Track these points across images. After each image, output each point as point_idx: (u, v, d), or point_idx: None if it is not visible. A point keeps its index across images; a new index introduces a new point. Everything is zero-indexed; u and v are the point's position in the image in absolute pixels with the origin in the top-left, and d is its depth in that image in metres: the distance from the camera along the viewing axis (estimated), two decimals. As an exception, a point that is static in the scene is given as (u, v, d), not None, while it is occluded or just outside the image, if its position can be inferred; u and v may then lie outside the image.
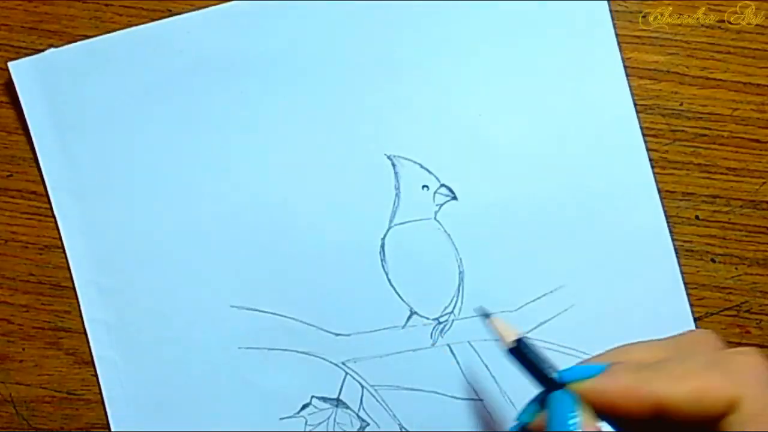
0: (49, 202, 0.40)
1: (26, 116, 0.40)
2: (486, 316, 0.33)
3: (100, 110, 0.40)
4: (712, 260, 0.39)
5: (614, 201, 0.39)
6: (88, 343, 0.40)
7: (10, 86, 0.40)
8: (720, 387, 0.28)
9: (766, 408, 0.27)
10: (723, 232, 0.40)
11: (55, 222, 0.40)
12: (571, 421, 0.29)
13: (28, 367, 0.40)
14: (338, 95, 0.40)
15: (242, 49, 0.40)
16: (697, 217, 0.40)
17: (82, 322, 0.40)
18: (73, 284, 0.40)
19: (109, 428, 0.39)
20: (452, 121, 0.40)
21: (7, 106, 0.41)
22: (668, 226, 0.39)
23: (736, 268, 0.40)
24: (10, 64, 0.40)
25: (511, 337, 0.32)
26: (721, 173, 0.40)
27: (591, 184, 0.39)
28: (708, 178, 0.40)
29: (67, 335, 0.40)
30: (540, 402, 0.31)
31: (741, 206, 0.40)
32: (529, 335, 0.39)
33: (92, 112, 0.40)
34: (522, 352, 0.31)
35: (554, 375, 0.30)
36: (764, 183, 0.40)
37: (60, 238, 0.40)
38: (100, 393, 0.40)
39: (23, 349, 0.40)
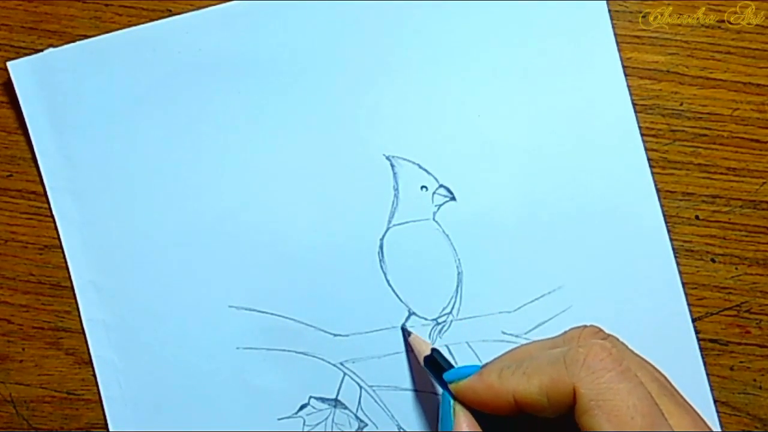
0: (48, 202, 0.40)
1: (25, 116, 0.40)
2: (408, 334, 0.38)
3: (99, 110, 0.40)
4: (712, 260, 0.39)
5: (612, 201, 0.39)
6: (86, 342, 0.40)
7: (9, 86, 0.40)
8: (560, 380, 0.29)
9: (600, 394, 0.29)
10: (723, 232, 0.40)
11: (54, 222, 0.40)
12: (448, 421, 0.32)
13: (28, 367, 0.40)
14: (337, 95, 0.40)
15: (241, 49, 0.40)
16: (697, 217, 0.40)
17: (82, 322, 0.40)
18: (72, 284, 0.40)
19: (107, 428, 0.39)
20: (451, 121, 0.40)
21: (7, 106, 0.41)
22: (667, 226, 0.39)
23: (736, 268, 0.40)
24: (9, 64, 0.40)
25: (426, 350, 0.36)
26: (721, 173, 0.40)
27: (589, 184, 0.39)
28: (708, 178, 0.40)
29: (67, 335, 0.40)
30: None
31: (741, 206, 0.40)
32: (528, 336, 0.39)
33: (91, 112, 0.40)
34: (435, 361, 0.35)
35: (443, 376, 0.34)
36: (764, 183, 0.40)
37: (59, 238, 0.40)
38: (99, 393, 0.40)
39: (23, 349, 0.40)
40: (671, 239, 0.39)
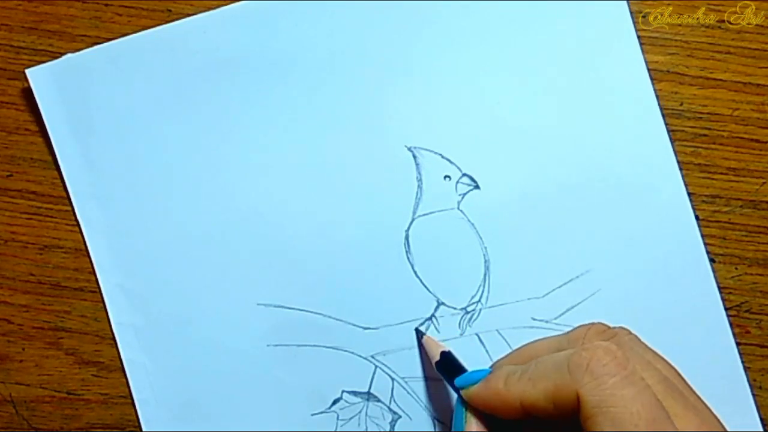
0: (72, 208, 0.40)
1: (45, 122, 0.40)
2: (421, 335, 0.38)
3: (118, 113, 0.40)
4: (712, 260, 0.39)
5: (637, 184, 0.39)
6: (116, 346, 0.40)
7: (9, 86, 0.40)
8: (564, 386, 0.29)
9: (603, 400, 0.28)
10: (723, 232, 0.40)
11: (79, 226, 0.40)
12: (459, 425, 0.32)
13: (28, 367, 0.40)
14: (357, 90, 0.40)
15: (260, 48, 0.40)
16: (697, 217, 0.40)
17: (83, 322, 0.40)
18: (99, 289, 0.40)
19: (140, 429, 0.39)
20: (472, 110, 0.40)
21: (7, 106, 0.41)
22: (692, 206, 0.39)
23: (736, 268, 0.40)
24: (28, 71, 0.40)
25: (437, 354, 0.36)
26: (721, 173, 0.40)
27: (613, 167, 0.39)
28: (708, 178, 0.40)
29: (67, 335, 0.40)
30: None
31: (741, 206, 0.40)
32: (558, 321, 0.39)
33: (111, 115, 0.40)
34: (447, 364, 0.35)
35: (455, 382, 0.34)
36: (764, 183, 0.40)
37: (84, 243, 0.40)
38: (131, 395, 0.40)
39: (23, 349, 0.40)
40: (697, 218, 0.39)
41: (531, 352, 0.34)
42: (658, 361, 0.32)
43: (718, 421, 0.31)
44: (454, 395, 0.35)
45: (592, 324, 0.34)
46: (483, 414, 0.32)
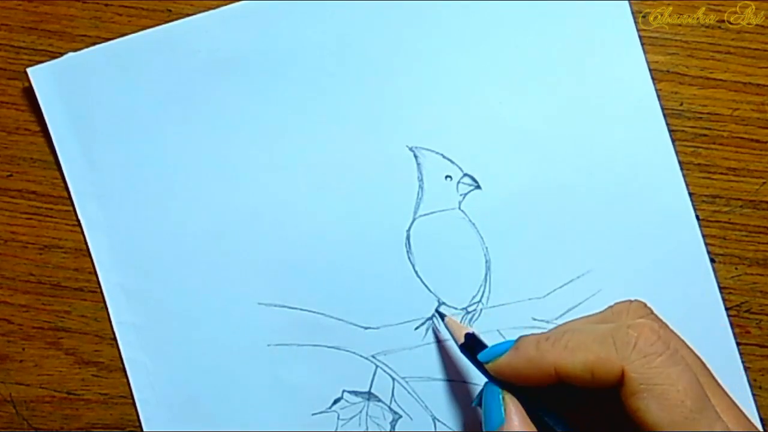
0: (73, 207, 0.40)
1: (47, 122, 0.40)
2: (442, 317, 0.38)
3: (120, 113, 0.40)
4: (712, 260, 0.40)
5: (638, 185, 0.39)
6: (117, 346, 0.40)
7: (9, 86, 0.40)
8: (607, 360, 0.29)
9: (650, 378, 0.29)
10: (723, 232, 0.40)
11: (80, 225, 0.40)
12: (497, 413, 0.32)
13: (28, 367, 0.40)
14: (358, 89, 0.40)
15: (261, 48, 0.40)
16: (697, 217, 0.40)
17: (83, 322, 0.40)
18: (101, 288, 0.40)
19: (140, 429, 0.39)
20: (473, 110, 0.40)
21: (7, 106, 0.41)
22: (693, 205, 0.39)
23: (736, 268, 0.40)
24: (29, 70, 0.40)
25: (463, 334, 0.35)
26: (721, 173, 0.40)
27: (614, 167, 0.39)
28: (708, 178, 0.40)
29: (67, 335, 0.40)
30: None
31: (741, 206, 0.40)
32: (558, 322, 0.39)
33: (112, 115, 0.40)
34: (472, 346, 0.34)
35: (478, 357, 0.33)
36: (764, 183, 0.40)
37: (85, 242, 0.40)
38: (131, 395, 0.40)
39: (23, 349, 0.40)
40: (697, 218, 0.39)
41: (565, 326, 0.34)
42: (686, 345, 0.32)
43: (737, 403, 0.31)
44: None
45: (631, 301, 0.34)
46: (514, 391, 0.32)
